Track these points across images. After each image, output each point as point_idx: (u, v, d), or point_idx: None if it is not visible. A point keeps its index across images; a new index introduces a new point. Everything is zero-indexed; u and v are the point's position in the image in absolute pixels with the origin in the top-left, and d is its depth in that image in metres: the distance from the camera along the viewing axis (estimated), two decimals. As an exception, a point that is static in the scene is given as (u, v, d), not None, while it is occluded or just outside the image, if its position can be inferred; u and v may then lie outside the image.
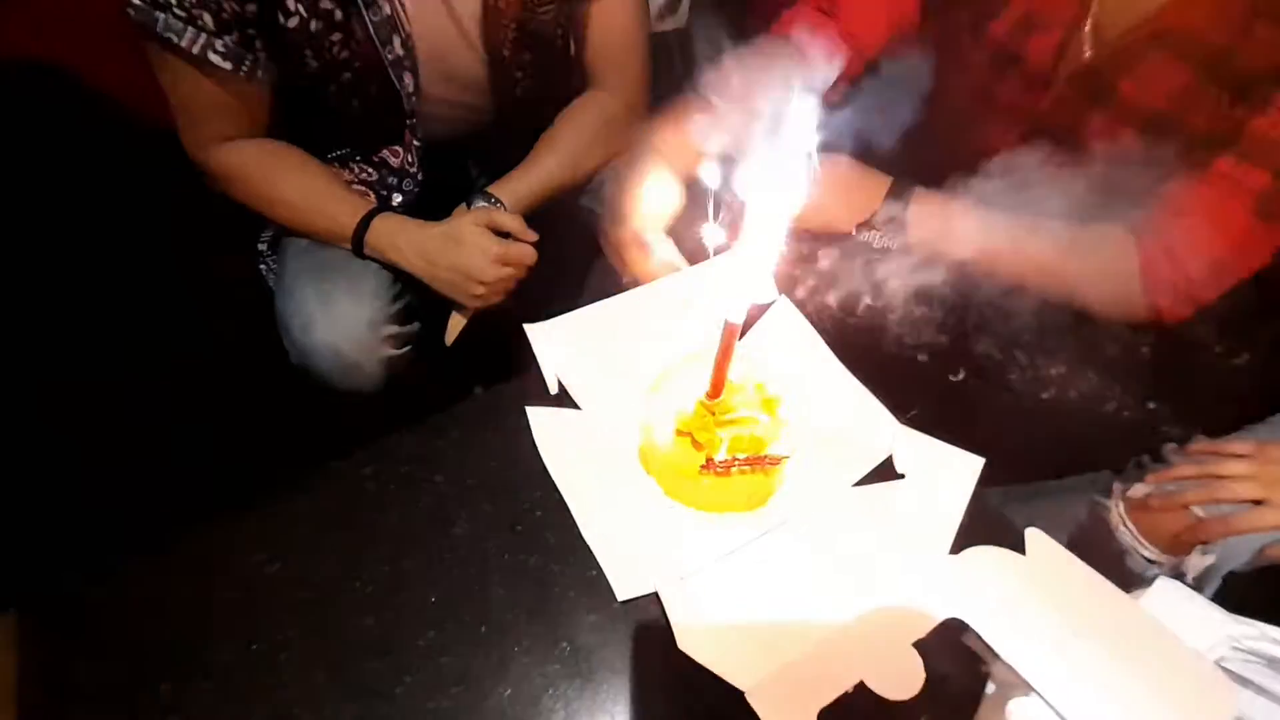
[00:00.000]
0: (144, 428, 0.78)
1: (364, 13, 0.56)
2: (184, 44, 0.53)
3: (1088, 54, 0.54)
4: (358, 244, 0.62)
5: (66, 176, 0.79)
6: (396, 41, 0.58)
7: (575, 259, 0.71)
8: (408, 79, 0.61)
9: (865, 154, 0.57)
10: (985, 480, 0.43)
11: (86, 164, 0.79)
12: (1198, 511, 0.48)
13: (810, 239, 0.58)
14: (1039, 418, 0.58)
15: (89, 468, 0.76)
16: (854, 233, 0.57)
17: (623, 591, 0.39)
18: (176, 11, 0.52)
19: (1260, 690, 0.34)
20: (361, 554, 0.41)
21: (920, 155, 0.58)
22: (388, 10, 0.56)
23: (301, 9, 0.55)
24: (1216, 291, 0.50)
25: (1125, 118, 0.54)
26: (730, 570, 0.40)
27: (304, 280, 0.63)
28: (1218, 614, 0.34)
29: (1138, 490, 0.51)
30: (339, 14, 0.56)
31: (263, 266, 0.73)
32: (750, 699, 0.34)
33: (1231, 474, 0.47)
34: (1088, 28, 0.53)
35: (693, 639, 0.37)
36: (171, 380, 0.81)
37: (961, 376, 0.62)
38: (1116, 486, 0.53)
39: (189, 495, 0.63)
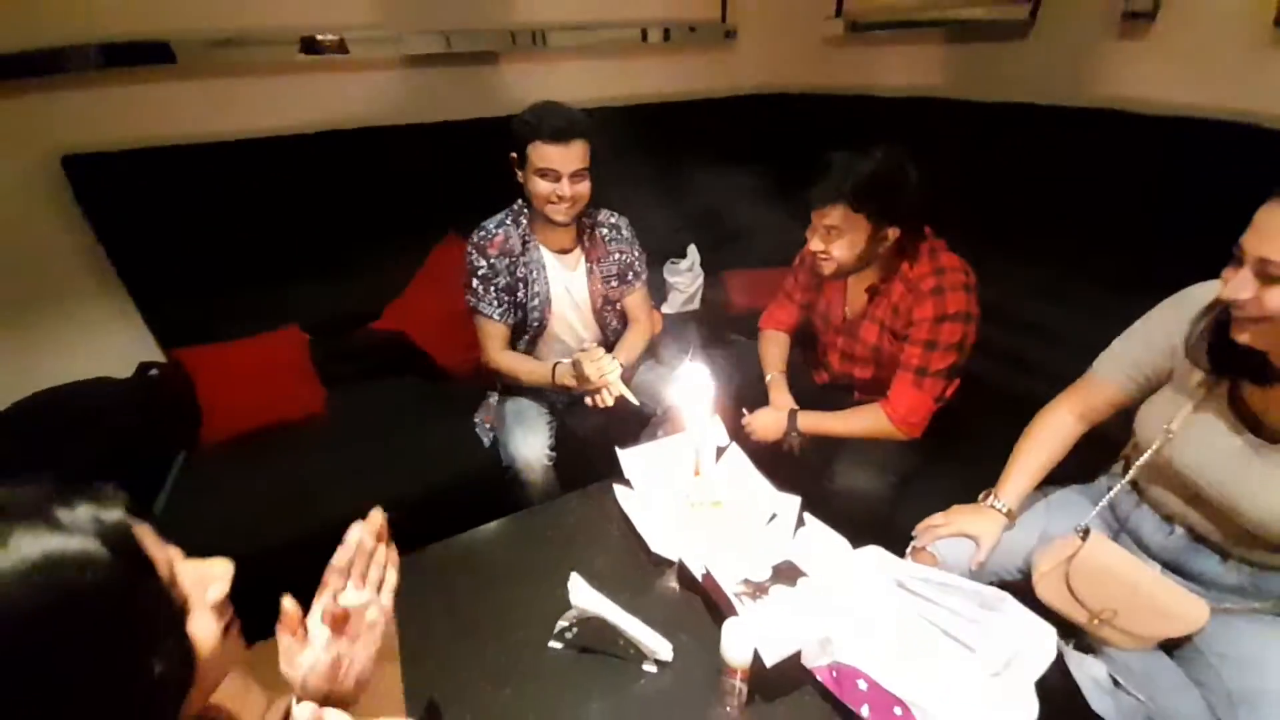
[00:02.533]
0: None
1: (533, 299, 1.33)
2: (485, 312, 1.31)
3: (847, 318, 1.21)
4: (553, 378, 1.30)
5: (399, 396, 1.63)
6: (542, 306, 1.34)
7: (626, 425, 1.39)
8: (544, 316, 1.37)
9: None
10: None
11: (412, 386, 1.63)
12: (929, 549, 1.00)
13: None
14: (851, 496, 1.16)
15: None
16: (782, 441, 1.23)
17: (655, 547, 0.96)
18: (485, 307, 1.30)
19: (926, 599, 0.84)
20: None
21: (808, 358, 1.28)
22: (543, 296, 1.33)
23: (524, 299, 1.32)
24: (923, 420, 1.12)
25: (866, 343, 1.21)
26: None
27: (511, 428, 1.33)
28: (889, 558, 0.87)
29: (910, 547, 1.04)
30: (527, 299, 1.33)
31: (478, 429, 1.47)
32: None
33: (934, 523, 1.00)
34: (846, 311, 1.22)
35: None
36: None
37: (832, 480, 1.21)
38: (907, 550, 1.05)
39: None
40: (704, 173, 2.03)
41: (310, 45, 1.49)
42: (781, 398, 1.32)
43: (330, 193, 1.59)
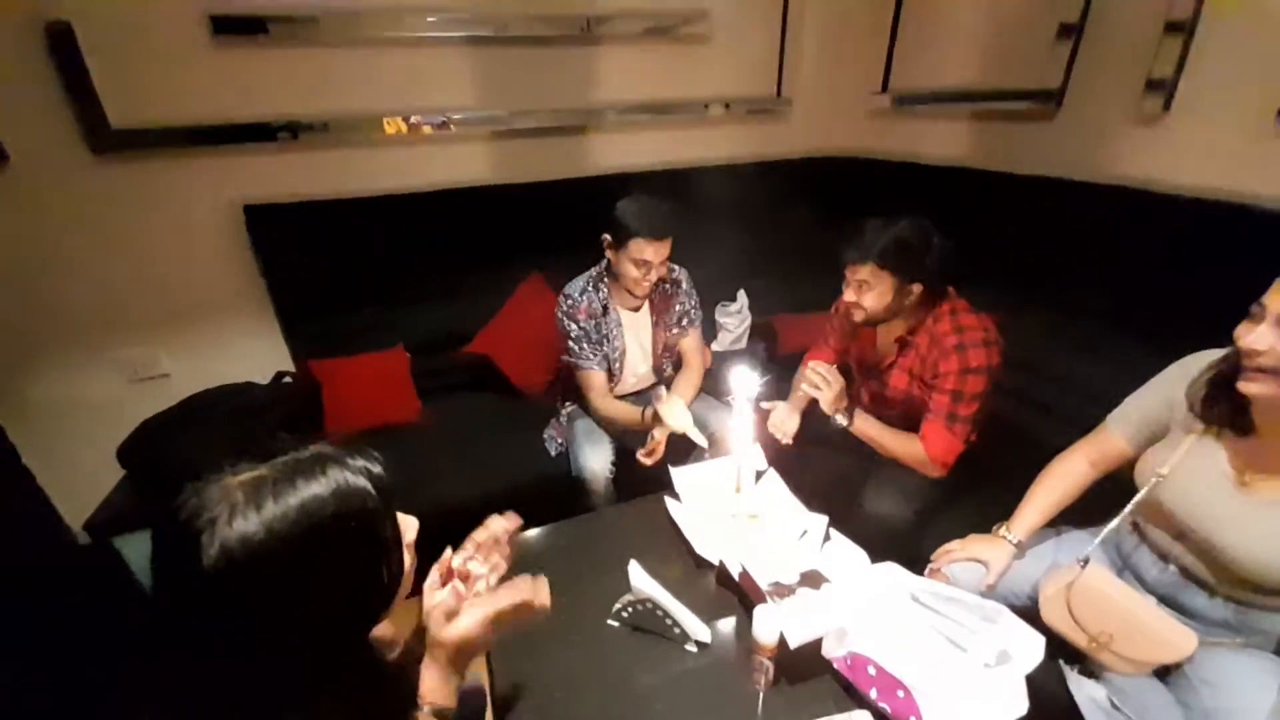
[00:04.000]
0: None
1: (613, 354, 1.54)
2: (586, 366, 1.53)
3: (880, 365, 1.37)
4: (641, 421, 1.50)
5: (482, 409, 1.89)
6: (619, 360, 1.55)
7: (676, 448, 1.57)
8: (619, 370, 1.58)
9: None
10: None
11: (492, 401, 1.89)
12: (944, 570, 1.12)
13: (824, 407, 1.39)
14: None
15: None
16: (834, 412, 1.37)
17: (700, 550, 1.13)
18: (585, 360, 1.52)
19: (934, 610, 0.97)
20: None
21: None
22: (620, 350, 1.54)
23: (605, 352, 1.54)
24: (953, 459, 1.25)
25: (896, 388, 1.34)
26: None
27: (581, 443, 1.54)
28: (904, 573, 1.01)
29: (930, 567, 1.16)
30: (608, 353, 1.54)
31: (546, 442, 1.69)
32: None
33: (950, 549, 1.12)
34: (876, 356, 1.37)
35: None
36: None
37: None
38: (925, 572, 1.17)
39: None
40: (758, 226, 2.25)
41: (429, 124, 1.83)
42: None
43: (438, 239, 1.90)
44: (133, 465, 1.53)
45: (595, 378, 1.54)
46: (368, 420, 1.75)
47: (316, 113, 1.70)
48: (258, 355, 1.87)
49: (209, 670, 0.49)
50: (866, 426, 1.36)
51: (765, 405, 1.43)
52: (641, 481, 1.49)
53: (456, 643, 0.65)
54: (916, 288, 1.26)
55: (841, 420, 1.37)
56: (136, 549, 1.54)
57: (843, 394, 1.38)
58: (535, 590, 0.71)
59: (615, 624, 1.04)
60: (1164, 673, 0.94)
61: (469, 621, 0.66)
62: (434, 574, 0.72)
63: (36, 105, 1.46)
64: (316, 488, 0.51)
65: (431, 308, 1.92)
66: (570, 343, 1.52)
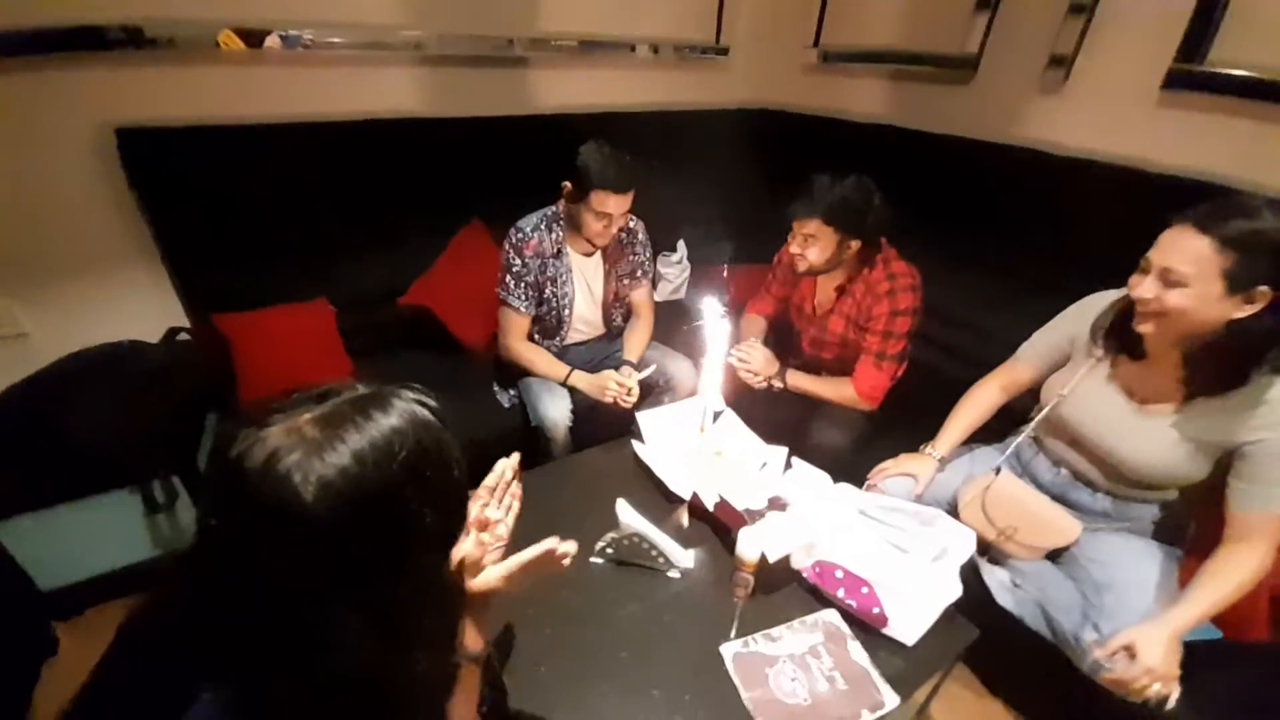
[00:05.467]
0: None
1: (560, 299, 1.52)
2: (514, 305, 1.49)
3: (817, 312, 1.48)
4: (565, 380, 1.52)
5: (421, 368, 1.78)
6: (567, 306, 1.54)
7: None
8: (567, 315, 1.57)
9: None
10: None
11: (433, 359, 1.79)
12: (880, 485, 1.28)
13: (749, 381, 1.48)
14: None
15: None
16: (769, 381, 1.46)
17: (673, 486, 1.19)
18: (514, 299, 1.48)
19: (881, 521, 1.10)
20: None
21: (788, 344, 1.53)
22: (569, 296, 1.53)
23: (549, 295, 1.51)
24: (882, 394, 1.41)
25: (834, 332, 1.47)
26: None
27: (539, 394, 1.51)
28: (854, 491, 1.13)
29: (867, 483, 1.31)
30: (553, 297, 1.52)
31: (499, 395, 1.65)
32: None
33: (884, 466, 1.28)
34: (815, 304, 1.49)
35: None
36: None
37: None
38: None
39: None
40: (695, 175, 2.27)
41: (353, 39, 1.61)
42: None
43: (363, 177, 1.71)
44: (3, 439, 1.29)
45: (517, 321, 1.53)
46: (291, 382, 1.57)
47: (208, 17, 1.44)
48: (143, 310, 1.61)
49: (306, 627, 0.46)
50: (799, 381, 1.49)
51: (736, 351, 1.50)
52: (599, 428, 1.52)
53: (484, 593, 0.67)
54: (855, 243, 1.36)
55: (777, 383, 1.48)
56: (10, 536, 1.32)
57: (770, 361, 1.49)
58: (569, 544, 0.73)
59: (600, 560, 1.08)
60: (1055, 555, 1.15)
61: (494, 575, 0.68)
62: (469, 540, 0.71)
63: None
64: (395, 419, 0.48)
65: (360, 256, 1.74)
66: (508, 276, 1.49)
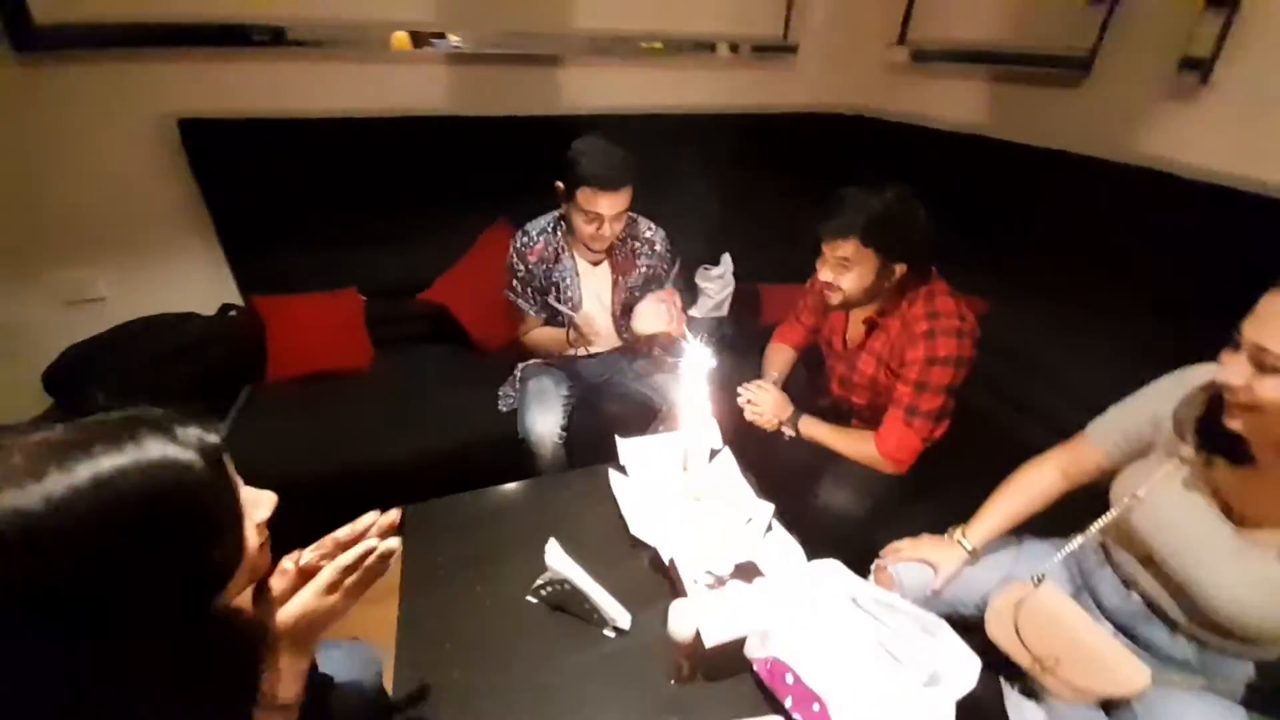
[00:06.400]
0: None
1: (565, 305, 1.44)
2: (523, 308, 1.43)
3: (847, 347, 1.27)
4: (566, 340, 1.46)
5: (437, 362, 1.78)
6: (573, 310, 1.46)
7: (634, 417, 1.48)
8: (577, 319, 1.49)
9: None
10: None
11: (449, 354, 1.79)
12: (890, 569, 1.05)
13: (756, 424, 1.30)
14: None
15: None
16: (780, 425, 1.28)
17: (635, 530, 1.06)
18: (523, 304, 1.42)
19: (872, 616, 0.90)
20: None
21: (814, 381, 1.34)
22: (575, 299, 1.44)
23: (554, 301, 1.43)
24: (910, 457, 1.16)
25: (864, 373, 1.25)
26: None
27: (530, 404, 1.45)
28: (845, 573, 0.94)
29: (877, 563, 1.09)
30: (558, 303, 1.44)
31: (500, 400, 1.60)
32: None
33: (899, 547, 1.05)
34: (846, 339, 1.28)
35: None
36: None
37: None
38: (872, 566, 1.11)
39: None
40: (749, 185, 2.09)
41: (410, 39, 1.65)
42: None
43: (400, 171, 1.75)
44: (60, 393, 1.45)
45: (530, 320, 1.50)
46: (314, 364, 1.65)
47: (268, 16, 1.53)
48: (203, 285, 1.75)
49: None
50: (813, 430, 1.29)
51: (744, 389, 1.34)
52: (596, 446, 1.41)
53: (294, 623, 0.58)
54: (901, 268, 1.14)
55: (788, 430, 1.30)
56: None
57: (782, 403, 1.29)
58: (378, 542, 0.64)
59: (534, 600, 0.98)
60: (1110, 706, 0.87)
61: (304, 597, 0.60)
62: (277, 572, 0.62)
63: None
64: (119, 458, 0.42)
65: (390, 249, 1.79)
66: (514, 280, 1.45)
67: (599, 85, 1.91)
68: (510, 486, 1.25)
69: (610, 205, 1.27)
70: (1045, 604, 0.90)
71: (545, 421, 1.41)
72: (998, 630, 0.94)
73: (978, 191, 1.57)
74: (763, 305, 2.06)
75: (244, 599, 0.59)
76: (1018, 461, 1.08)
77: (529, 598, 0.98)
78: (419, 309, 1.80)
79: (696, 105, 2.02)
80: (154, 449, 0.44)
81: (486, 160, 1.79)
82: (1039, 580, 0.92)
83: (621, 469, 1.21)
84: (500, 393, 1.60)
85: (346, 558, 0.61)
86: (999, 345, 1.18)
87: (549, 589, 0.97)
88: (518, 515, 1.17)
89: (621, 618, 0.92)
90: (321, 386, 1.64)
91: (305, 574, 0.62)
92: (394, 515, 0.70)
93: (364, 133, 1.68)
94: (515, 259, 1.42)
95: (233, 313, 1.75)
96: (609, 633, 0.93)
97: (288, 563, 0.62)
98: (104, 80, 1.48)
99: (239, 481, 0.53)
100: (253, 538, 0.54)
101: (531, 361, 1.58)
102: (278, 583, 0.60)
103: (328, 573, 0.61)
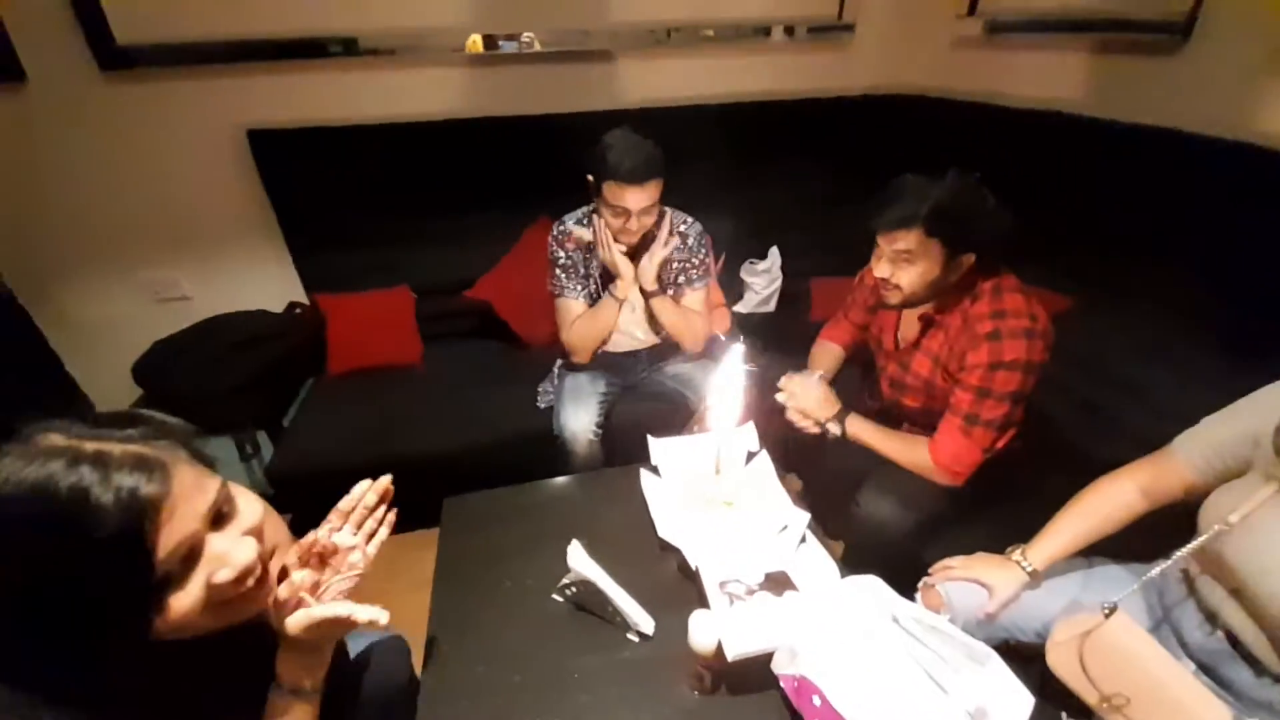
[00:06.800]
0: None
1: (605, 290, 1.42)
2: (569, 297, 1.43)
3: (899, 346, 1.19)
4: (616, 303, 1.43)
5: (483, 357, 1.83)
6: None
7: (671, 415, 1.45)
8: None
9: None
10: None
11: (495, 350, 1.83)
12: (939, 588, 0.97)
13: (797, 423, 1.24)
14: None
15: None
16: (822, 423, 1.22)
17: (663, 532, 1.04)
18: (567, 288, 1.42)
19: (915, 638, 0.84)
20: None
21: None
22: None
23: (592, 286, 1.43)
24: (968, 469, 1.07)
25: (918, 375, 1.17)
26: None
27: (565, 401, 1.45)
28: (885, 591, 0.87)
29: (924, 581, 1.01)
30: (599, 292, 1.42)
31: (539, 396, 1.61)
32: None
33: (951, 564, 0.97)
34: (899, 338, 1.20)
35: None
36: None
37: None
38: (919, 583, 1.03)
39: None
40: (802, 175, 2.00)
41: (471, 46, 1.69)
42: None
43: (450, 173, 1.80)
44: (146, 384, 1.60)
45: (572, 306, 1.44)
46: (369, 358, 1.74)
47: (330, 29, 1.61)
48: (273, 284, 1.88)
49: None
50: (861, 431, 1.20)
51: (785, 382, 1.28)
52: (632, 444, 1.40)
53: (302, 632, 0.60)
54: (968, 259, 1.05)
55: (834, 430, 1.21)
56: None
57: (827, 401, 1.21)
58: (368, 612, 0.62)
59: (559, 599, 0.98)
60: (1188, 752, 0.77)
61: (294, 624, 0.59)
62: (291, 554, 0.64)
63: (48, 23, 1.46)
64: (28, 472, 0.41)
65: (439, 248, 1.85)
66: (557, 270, 1.44)
67: (650, 78, 1.88)
68: (544, 483, 1.26)
69: (636, 200, 1.24)
70: (1117, 637, 0.81)
71: (580, 419, 1.41)
72: (1061, 663, 0.86)
73: (1058, 175, 1.42)
74: (813, 301, 1.98)
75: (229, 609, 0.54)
76: (1086, 476, 0.97)
77: (555, 596, 0.98)
78: (466, 306, 1.85)
79: (748, 93, 1.95)
80: (66, 478, 0.42)
81: (533, 159, 1.81)
82: (1110, 610, 0.82)
83: (654, 469, 1.19)
84: (539, 389, 1.62)
85: (319, 612, 0.60)
86: (1075, 346, 1.06)
87: (574, 589, 0.96)
88: (549, 512, 1.18)
89: (645, 623, 0.91)
90: (376, 380, 1.72)
91: (322, 555, 0.64)
92: (386, 481, 0.74)
93: (417, 137, 1.74)
94: (555, 246, 1.43)
95: (298, 310, 1.87)
96: (632, 637, 0.92)
97: (297, 574, 0.61)
98: (182, 95, 1.61)
99: (200, 537, 0.49)
100: (191, 595, 0.48)
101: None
102: (284, 591, 0.59)
103: (309, 618, 0.60)
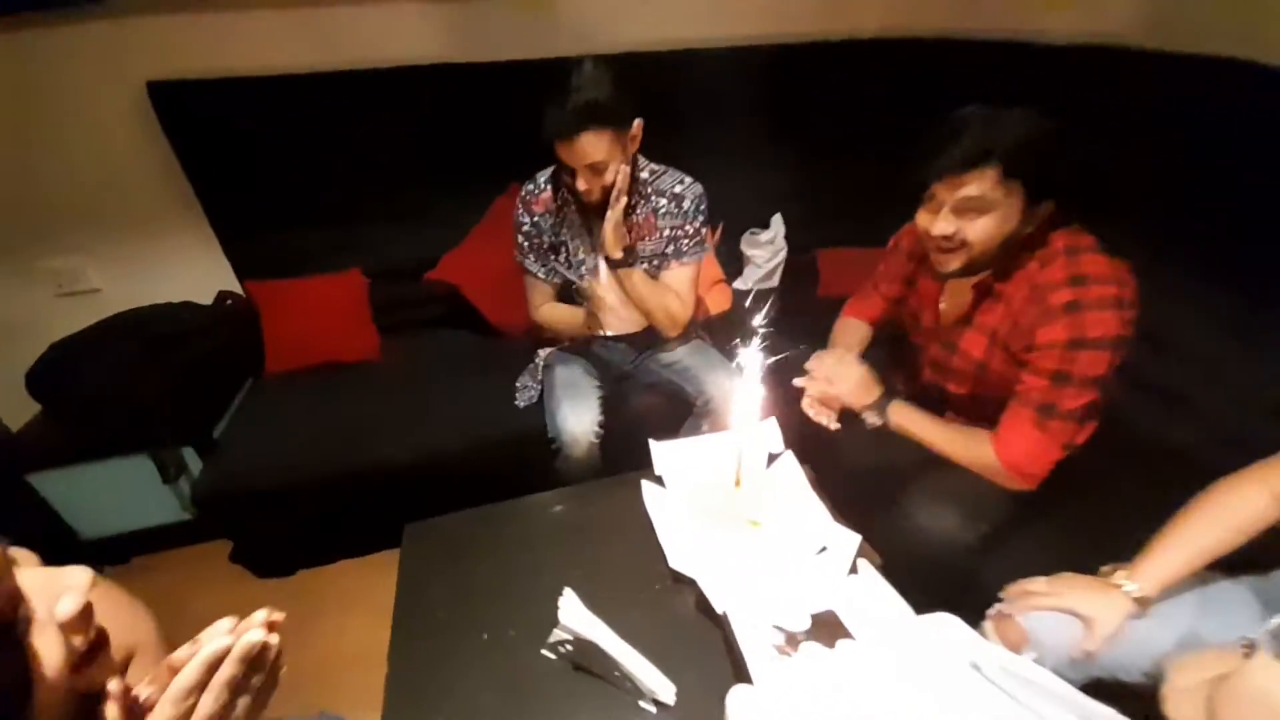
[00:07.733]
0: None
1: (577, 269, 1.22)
2: (531, 270, 1.22)
3: (941, 323, 1.02)
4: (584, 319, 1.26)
5: (451, 350, 1.59)
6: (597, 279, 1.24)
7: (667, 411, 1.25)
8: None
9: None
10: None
11: (464, 340, 1.59)
12: (1018, 620, 0.79)
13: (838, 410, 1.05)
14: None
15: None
16: (860, 411, 1.02)
17: (674, 562, 0.84)
18: (530, 264, 1.21)
19: (1007, 694, 0.66)
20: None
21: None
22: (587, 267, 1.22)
23: (560, 265, 1.21)
24: (1044, 471, 0.89)
25: (968, 356, 0.98)
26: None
27: (560, 398, 1.23)
28: (964, 631, 0.69)
29: (993, 610, 0.83)
30: (569, 266, 1.22)
31: (517, 394, 1.39)
32: None
33: (1034, 590, 0.79)
34: (940, 310, 1.02)
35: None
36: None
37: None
38: (989, 611, 0.85)
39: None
40: (804, 133, 1.79)
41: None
42: None
43: (400, 133, 1.54)
44: (43, 395, 1.33)
45: (538, 285, 1.30)
46: (315, 355, 1.49)
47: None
48: (199, 271, 1.61)
49: None
50: (909, 420, 0.99)
51: (813, 362, 1.07)
52: (627, 448, 1.20)
53: None
54: (1048, 208, 0.85)
55: (873, 419, 1.01)
56: (56, 488, 1.37)
57: (867, 384, 1.01)
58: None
59: (551, 656, 0.78)
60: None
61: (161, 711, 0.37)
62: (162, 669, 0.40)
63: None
64: None
65: (394, 223, 1.60)
66: (519, 237, 1.25)
67: (630, 17, 1.63)
68: (527, 501, 1.04)
69: (571, 155, 1.05)
70: (1260, 686, 0.63)
71: (580, 419, 1.19)
72: (1182, 714, 0.68)
73: (1108, 121, 1.23)
74: (820, 274, 1.78)
75: None
76: (1177, 474, 0.80)
77: (545, 652, 0.78)
78: (428, 290, 1.61)
79: (733, 37, 1.71)
80: None
81: (497, 115, 1.55)
82: (1251, 649, 0.64)
83: (657, 479, 0.99)
84: (518, 385, 1.40)
85: (212, 651, 0.38)
86: (1144, 324, 0.88)
87: (568, 646, 0.76)
88: (534, 537, 0.97)
89: (663, 689, 0.71)
90: (324, 380, 1.48)
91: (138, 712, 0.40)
92: (275, 615, 0.43)
93: (363, 89, 1.47)
94: (521, 210, 1.23)
95: (229, 301, 1.60)
96: (647, 705, 0.72)
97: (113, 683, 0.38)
98: (65, 42, 1.31)
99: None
100: (51, 645, 0.33)
101: (555, 346, 1.37)
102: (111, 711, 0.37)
103: (189, 672, 0.38)
